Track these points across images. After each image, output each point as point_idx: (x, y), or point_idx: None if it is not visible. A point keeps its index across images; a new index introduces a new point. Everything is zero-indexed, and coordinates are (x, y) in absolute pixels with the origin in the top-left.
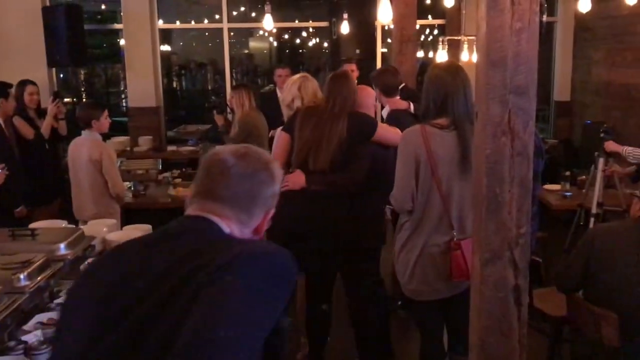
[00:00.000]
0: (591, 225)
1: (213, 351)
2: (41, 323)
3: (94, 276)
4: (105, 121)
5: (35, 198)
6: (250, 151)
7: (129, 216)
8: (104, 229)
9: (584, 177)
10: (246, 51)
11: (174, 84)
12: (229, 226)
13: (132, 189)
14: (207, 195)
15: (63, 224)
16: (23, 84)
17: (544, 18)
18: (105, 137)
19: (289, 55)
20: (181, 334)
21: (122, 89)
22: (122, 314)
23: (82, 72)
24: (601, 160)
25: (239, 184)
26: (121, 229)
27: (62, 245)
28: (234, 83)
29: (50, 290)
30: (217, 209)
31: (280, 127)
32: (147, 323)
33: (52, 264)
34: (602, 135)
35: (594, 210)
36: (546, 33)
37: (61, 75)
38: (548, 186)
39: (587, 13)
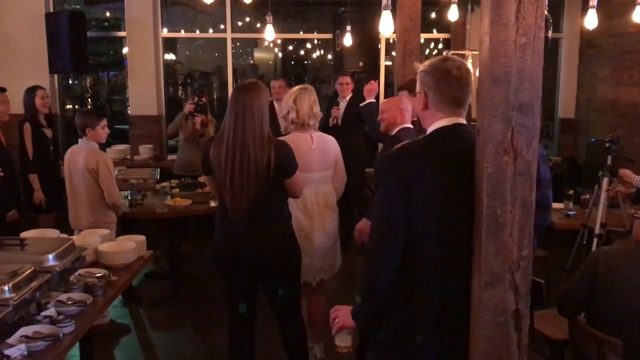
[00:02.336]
0: (594, 246)
1: None
2: (26, 336)
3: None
4: (102, 131)
5: (34, 205)
6: (465, 65)
7: (125, 225)
8: (97, 239)
9: (588, 196)
10: (251, 61)
11: (180, 93)
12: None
13: (129, 198)
14: (458, 104)
15: (55, 233)
16: (33, 89)
17: (550, 33)
18: (106, 144)
19: (294, 66)
20: None
21: (126, 96)
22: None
23: (88, 78)
24: (605, 180)
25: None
26: (116, 238)
27: (50, 256)
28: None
29: (37, 302)
30: (462, 113)
31: None
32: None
33: (39, 275)
34: (607, 145)
35: (597, 230)
36: (551, 49)
37: (70, 82)
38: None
39: (593, 30)
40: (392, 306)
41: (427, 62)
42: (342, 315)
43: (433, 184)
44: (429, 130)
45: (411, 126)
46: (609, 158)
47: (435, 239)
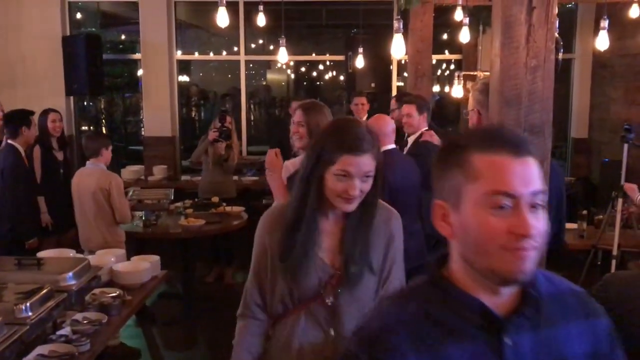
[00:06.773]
0: (613, 268)
1: None
2: (42, 355)
3: None
4: (109, 153)
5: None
6: None
7: (139, 245)
8: (112, 259)
9: (601, 216)
10: (264, 83)
11: (193, 114)
12: None
13: (144, 218)
14: None
15: (71, 253)
16: (46, 112)
17: (560, 55)
18: (120, 165)
19: (306, 87)
20: None
21: (140, 118)
22: None
23: (103, 100)
24: (620, 201)
25: None
26: (129, 258)
27: (67, 276)
28: (251, 114)
29: (54, 321)
30: None
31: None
32: None
33: (56, 294)
34: (623, 133)
35: (614, 252)
36: (563, 70)
37: (85, 103)
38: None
39: (605, 51)
40: None
41: (481, 82)
42: None
43: None
44: None
45: (394, 146)
46: (625, 148)
47: None
